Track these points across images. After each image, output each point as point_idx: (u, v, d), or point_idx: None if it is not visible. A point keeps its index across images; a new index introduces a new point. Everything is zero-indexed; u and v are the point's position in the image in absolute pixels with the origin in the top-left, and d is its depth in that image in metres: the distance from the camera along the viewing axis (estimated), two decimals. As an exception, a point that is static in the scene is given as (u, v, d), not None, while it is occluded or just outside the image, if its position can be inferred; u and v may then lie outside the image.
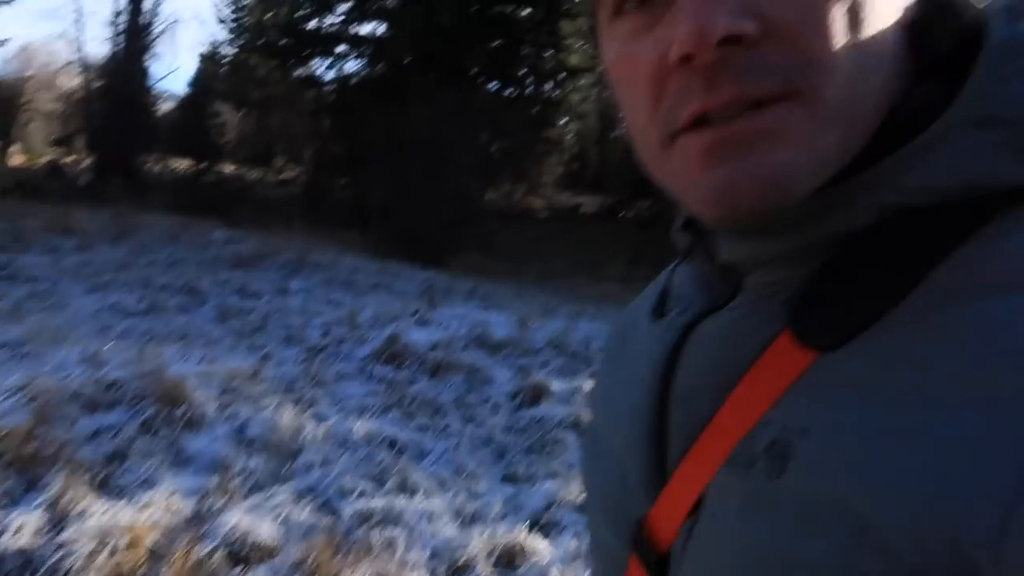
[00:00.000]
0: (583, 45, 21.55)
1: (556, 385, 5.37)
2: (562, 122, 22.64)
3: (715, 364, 0.45)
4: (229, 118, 26.94)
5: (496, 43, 19.18)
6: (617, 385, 0.57)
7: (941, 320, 0.35)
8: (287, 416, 4.02)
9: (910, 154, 0.38)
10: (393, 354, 5.46)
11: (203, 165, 18.55)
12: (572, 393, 5.32)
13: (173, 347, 5.01)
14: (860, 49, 0.37)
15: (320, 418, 4.17)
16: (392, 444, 4.01)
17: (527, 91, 21.44)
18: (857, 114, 0.38)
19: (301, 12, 18.77)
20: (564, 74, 21.01)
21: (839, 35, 0.37)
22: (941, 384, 0.33)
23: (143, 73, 22.40)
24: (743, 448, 0.41)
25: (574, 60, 20.93)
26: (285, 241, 10.97)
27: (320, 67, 20.87)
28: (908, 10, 0.41)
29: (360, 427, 4.10)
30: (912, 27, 0.41)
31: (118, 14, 21.44)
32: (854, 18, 0.37)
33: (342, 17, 18.84)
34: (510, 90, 21.18)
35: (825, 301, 0.40)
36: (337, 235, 13.94)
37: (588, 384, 5.43)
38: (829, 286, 0.40)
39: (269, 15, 27.71)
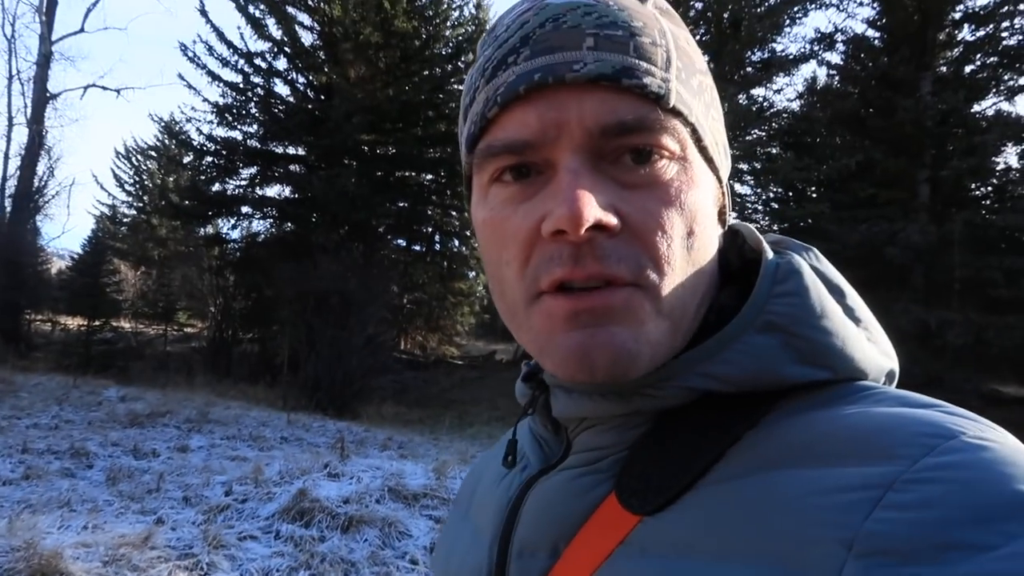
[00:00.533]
0: (486, 206, 22.63)
1: (476, 534, 5.14)
2: (471, 275, 23.22)
3: (549, 522, 0.50)
4: (127, 275, 26.25)
5: (401, 204, 19.88)
6: (459, 540, 0.61)
7: (732, 491, 0.43)
8: (182, 584, 3.66)
9: (709, 349, 0.48)
10: (301, 510, 5.13)
11: (97, 323, 17.72)
12: (492, 542, 5.11)
13: (52, 516, 4.54)
14: (691, 258, 0.47)
15: (220, 584, 3.81)
16: (301, 608, 3.68)
17: (435, 246, 22.05)
18: (686, 310, 0.48)
19: (204, 176, 18.96)
20: (469, 232, 21.83)
21: (677, 245, 0.46)
22: (734, 542, 0.41)
23: (33, 233, 21.89)
24: None
25: (479, 219, 21.80)
26: (186, 397, 10.43)
27: (224, 226, 20.93)
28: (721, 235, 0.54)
29: (265, 591, 3.76)
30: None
31: (5, 180, 21.24)
32: (690, 234, 0.47)
33: (245, 181, 19.14)
34: (417, 246, 21.74)
35: (646, 472, 0.47)
36: (243, 389, 13.39)
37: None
38: (649, 457, 0.48)
39: (172, 178, 28.01)
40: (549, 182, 0.47)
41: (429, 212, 21.12)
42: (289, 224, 19.39)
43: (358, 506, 5.32)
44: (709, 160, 0.50)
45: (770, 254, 0.51)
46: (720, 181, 0.52)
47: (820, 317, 0.47)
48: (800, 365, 0.47)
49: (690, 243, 0.47)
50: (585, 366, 0.45)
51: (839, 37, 14.91)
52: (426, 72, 19.89)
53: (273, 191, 20.03)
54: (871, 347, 0.49)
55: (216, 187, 18.95)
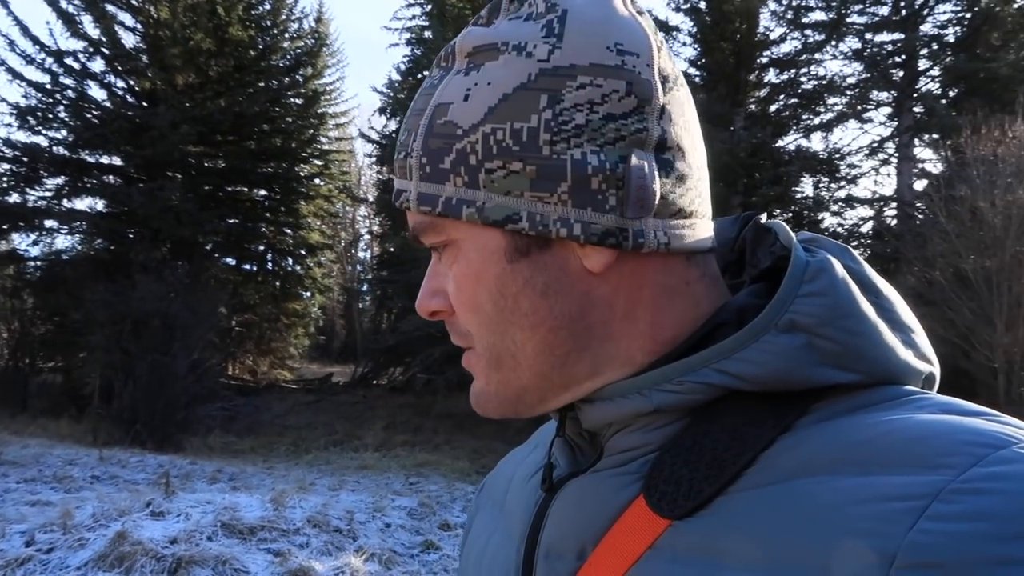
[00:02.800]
0: (321, 225, 22.03)
1: (320, 566, 4.89)
2: (306, 295, 22.38)
3: (578, 523, 0.50)
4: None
5: (232, 221, 18.80)
6: (491, 538, 0.62)
7: (768, 498, 0.42)
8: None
9: (725, 347, 0.47)
10: (121, 556, 4.61)
11: None
12: (338, 573, 4.88)
13: None
14: (499, 319, 0.51)
15: (20, 647, 3.31)
16: (122, 665, 3.28)
17: (267, 266, 21.05)
18: (536, 358, 0.51)
19: (1, 185, 16.79)
20: (304, 251, 21.08)
21: (485, 314, 0.51)
22: (769, 551, 0.40)
23: None
24: None
25: (314, 237, 21.19)
26: (-28, 436, 9.11)
27: (22, 242, 18.62)
28: (745, 231, 0.57)
29: (77, 650, 3.32)
30: (743, 245, 0.57)
31: None
32: (488, 302, 0.51)
33: (51, 192, 17.18)
34: (248, 265, 20.64)
35: (676, 474, 0.46)
36: (43, 424, 11.94)
37: (355, 561, 5.03)
38: (679, 459, 0.47)
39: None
40: None
41: (262, 229, 20.16)
42: (102, 240, 17.64)
43: (187, 545, 4.88)
44: (493, 221, 0.49)
45: (800, 252, 0.49)
46: (536, 223, 0.48)
47: (848, 318, 0.46)
48: (826, 367, 0.45)
49: (492, 307, 0.51)
50: (472, 403, 0.57)
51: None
52: (261, 84, 19.07)
53: (84, 204, 18.16)
54: (907, 350, 0.48)
55: (14, 198, 16.81)
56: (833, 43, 15.18)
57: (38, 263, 18.03)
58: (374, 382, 20.07)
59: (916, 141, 15.15)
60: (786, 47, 15.29)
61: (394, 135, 19.79)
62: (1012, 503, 0.35)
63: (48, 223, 17.20)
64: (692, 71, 16.18)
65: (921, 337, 0.50)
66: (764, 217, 0.57)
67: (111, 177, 17.91)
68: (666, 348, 0.50)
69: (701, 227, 0.52)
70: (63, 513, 5.32)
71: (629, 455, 0.50)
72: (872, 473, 0.39)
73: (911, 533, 0.36)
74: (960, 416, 0.42)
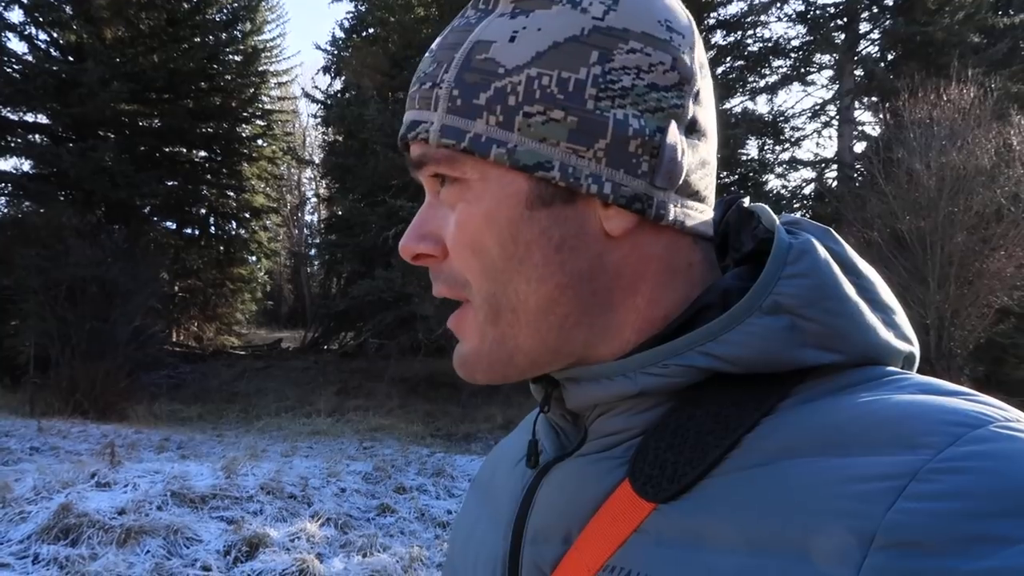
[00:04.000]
0: (266, 187, 21.46)
1: (274, 532, 4.88)
2: (252, 259, 21.87)
3: (563, 508, 0.50)
4: None
5: (171, 183, 18.13)
6: (478, 523, 0.62)
7: (751, 480, 0.43)
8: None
9: (711, 329, 0.47)
10: (66, 528, 4.51)
11: None
12: (293, 539, 4.87)
13: None
14: (503, 269, 0.49)
15: (-36, 625, 3.22)
16: (74, 637, 3.22)
17: (210, 230, 20.45)
18: (537, 314, 0.50)
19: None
20: (248, 214, 20.53)
21: (478, 261, 0.50)
22: (751, 533, 0.41)
23: None
24: None
25: (259, 200, 20.66)
26: (-103, 409, 8.70)
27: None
28: (728, 213, 0.56)
29: (25, 625, 3.24)
30: (726, 228, 0.56)
31: None
32: (495, 247, 0.49)
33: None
34: (190, 229, 20.02)
35: (660, 458, 0.46)
36: (-25, 396, 11.48)
37: (310, 526, 5.03)
38: (663, 443, 0.47)
39: None
40: None
41: (203, 192, 19.51)
42: (30, 203, 16.82)
43: (136, 516, 4.80)
44: (521, 166, 0.48)
45: (783, 234, 0.49)
46: (567, 172, 0.48)
47: (830, 299, 0.46)
48: (810, 348, 0.46)
49: (498, 254, 0.49)
50: (455, 367, 0.54)
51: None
52: (197, 39, 18.24)
53: (8, 164, 17.26)
54: (888, 331, 0.48)
55: (-68, 158, 15.86)
56: (778, 5, 15.32)
57: (-38, 226, 17.14)
58: (325, 347, 19.87)
59: (856, 104, 15.52)
60: (732, 8, 15.45)
61: (339, 95, 19.27)
62: (988, 481, 0.36)
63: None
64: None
65: (901, 317, 0.51)
66: (747, 201, 0.57)
67: (37, 136, 17.02)
68: (655, 328, 0.50)
69: (708, 213, 0.53)
70: (1, 486, 5.15)
71: (613, 439, 0.50)
72: (852, 454, 0.40)
73: (890, 513, 0.36)
74: (939, 396, 0.42)
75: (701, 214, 0.52)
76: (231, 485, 5.73)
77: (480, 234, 0.49)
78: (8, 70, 16.04)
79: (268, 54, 20.71)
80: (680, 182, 0.49)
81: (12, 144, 16.53)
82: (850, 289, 0.47)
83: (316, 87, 21.04)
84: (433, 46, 0.53)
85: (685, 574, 0.42)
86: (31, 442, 7.74)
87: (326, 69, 19.76)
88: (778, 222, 0.51)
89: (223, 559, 4.50)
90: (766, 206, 0.54)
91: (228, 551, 4.59)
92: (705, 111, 0.52)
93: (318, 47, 36.05)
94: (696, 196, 0.52)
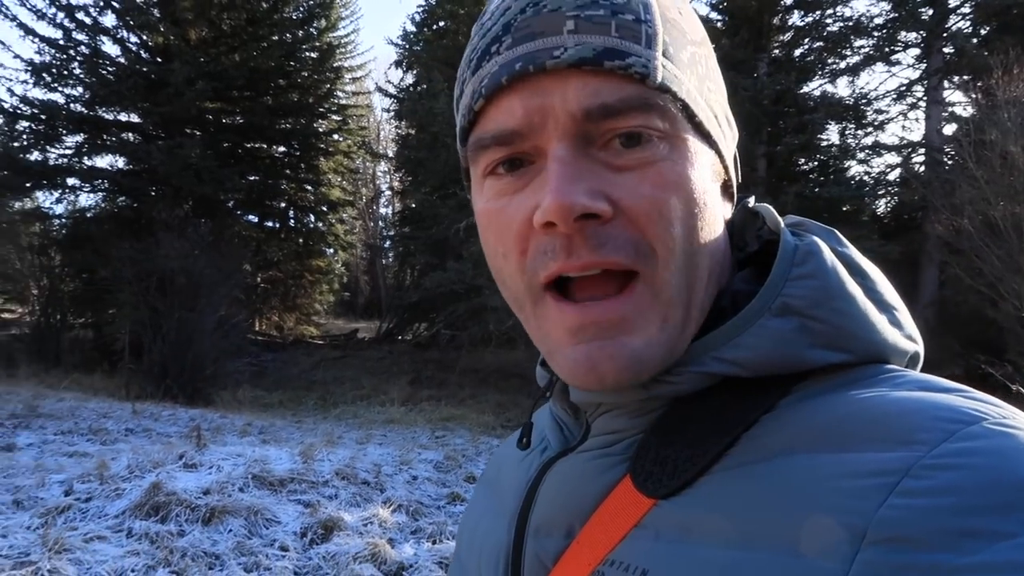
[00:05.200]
0: (342, 181, 21.98)
1: (348, 517, 5.02)
2: (329, 252, 22.48)
3: (564, 503, 0.51)
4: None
5: (252, 178, 18.80)
6: (484, 515, 0.62)
7: (749, 476, 0.43)
8: (20, 596, 3.28)
9: (725, 333, 0.47)
10: (156, 505, 4.77)
11: None
12: (366, 523, 5.01)
13: None
14: (696, 239, 0.46)
15: (65, 592, 3.46)
16: (163, 609, 3.42)
17: (290, 223, 21.12)
18: (694, 297, 0.47)
19: (19, 143, 16.82)
20: (325, 207, 21.08)
21: (676, 227, 0.45)
22: (749, 528, 0.41)
23: None
24: None
25: (335, 194, 21.17)
26: (8, 390, 9.38)
27: (47, 199, 18.83)
28: (733, 214, 0.55)
29: (120, 595, 3.46)
30: (732, 228, 0.54)
31: None
32: (690, 215, 0.46)
33: (71, 149, 17.23)
34: (270, 222, 20.72)
35: (661, 455, 0.47)
36: (77, 379, 12.26)
37: (382, 512, 5.16)
38: (664, 440, 0.47)
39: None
40: (540, 172, 0.46)
41: (283, 186, 20.15)
42: (124, 198, 17.77)
43: (220, 496, 5.03)
44: (706, 135, 0.48)
45: (789, 236, 0.50)
46: (721, 155, 0.51)
47: (838, 299, 0.47)
48: (818, 348, 0.46)
49: (692, 224, 0.46)
50: (593, 377, 0.46)
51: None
52: (275, 37, 18.81)
53: (104, 161, 18.25)
54: (893, 330, 0.48)
55: (34, 155, 16.91)
56: (861, -19, 14.61)
57: (63, 220, 18.26)
58: (399, 338, 20.27)
59: (945, 83, 14.67)
60: (812, -13, 14.79)
61: (411, 88, 19.54)
62: (978, 477, 0.36)
63: (70, 181, 17.34)
64: (713, 15, 15.70)
65: (905, 316, 0.51)
66: (752, 201, 0.57)
67: (130, 134, 17.93)
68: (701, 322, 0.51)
69: None
70: (99, 464, 5.50)
71: (616, 437, 0.50)
72: (847, 450, 0.40)
73: (881, 509, 0.36)
74: (936, 393, 0.42)
75: None
76: (308, 470, 5.93)
77: (688, 201, 0.46)
78: (103, 72, 16.97)
79: (343, 50, 21.15)
80: None
81: (108, 142, 17.49)
82: (856, 289, 0.48)
83: (389, 81, 21.44)
84: None
85: (683, 568, 0.43)
86: (126, 424, 8.22)
87: (398, 63, 20.08)
88: (783, 223, 0.52)
89: (300, 540, 4.68)
90: (770, 207, 0.54)
91: (304, 533, 4.76)
92: None
93: (390, 42, 36.66)
94: None
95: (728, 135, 0.52)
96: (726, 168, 0.52)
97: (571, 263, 0.45)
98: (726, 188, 0.53)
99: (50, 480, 5.27)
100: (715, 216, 0.49)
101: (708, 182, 0.48)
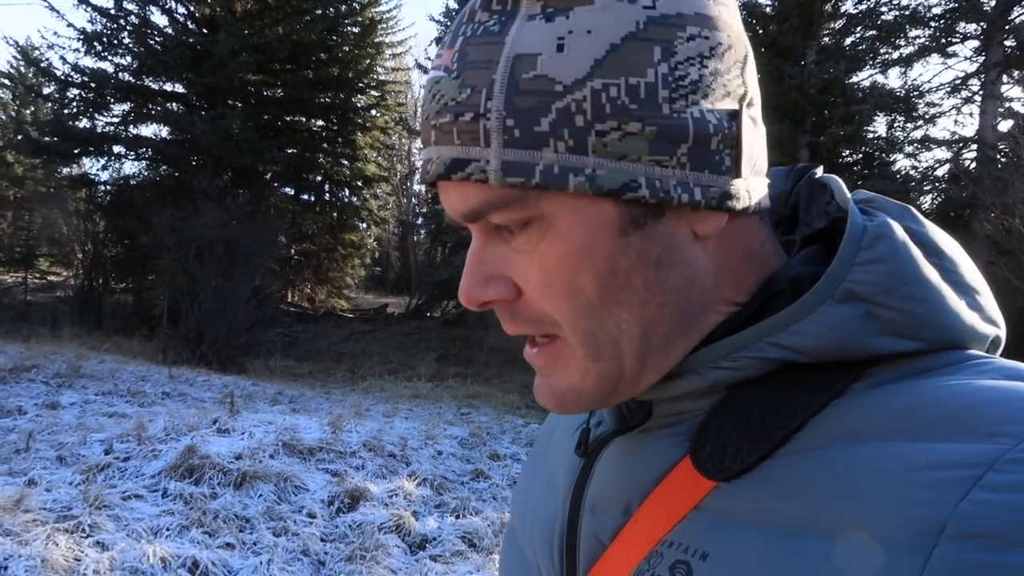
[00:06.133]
0: (377, 156, 22.08)
1: (374, 488, 5.10)
2: (362, 226, 22.66)
3: (623, 480, 0.50)
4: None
5: (290, 151, 18.98)
6: (536, 487, 0.62)
7: (815, 462, 0.41)
8: (61, 548, 3.40)
9: (781, 320, 0.45)
10: (190, 467, 4.90)
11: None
12: (392, 495, 5.09)
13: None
14: (605, 302, 0.45)
15: (104, 546, 3.58)
16: (194, 566, 3.52)
17: (325, 196, 21.31)
18: (626, 344, 0.46)
19: (69, 110, 17.18)
20: (360, 182, 21.21)
21: (574, 300, 0.45)
22: (816, 515, 0.40)
23: None
24: (649, 565, 0.46)
25: (371, 169, 21.29)
26: (53, 351, 9.67)
27: (93, 166, 19.26)
28: (799, 186, 0.54)
29: (154, 551, 3.57)
30: (797, 200, 0.54)
31: None
32: (591, 282, 0.45)
33: (118, 118, 17.58)
34: (306, 195, 20.93)
35: (723, 437, 0.45)
36: (117, 342, 12.59)
37: (407, 485, 5.24)
38: (727, 422, 0.46)
39: (30, 110, 25.31)
40: None
41: (319, 160, 20.33)
42: (167, 167, 18.10)
43: (251, 462, 5.15)
44: (598, 191, 0.43)
45: (858, 215, 0.47)
46: (637, 197, 0.44)
47: (909, 284, 0.44)
48: (886, 336, 0.44)
49: (595, 289, 0.45)
50: (537, 399, 0.51)
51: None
52: (318, 11, 18.88)
53: (149, 130, 18.58)
54: (972, 314, 0.46)
55: (83, 123, 17.30)
56: (919, -31, 14.17)
57: (108, 187, 18.68)
58: (428, 314, 20.42)
59: (1004, 78, 14.18)
60: (866, -27, 14.38)
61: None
62: None
63: (116, 148, 17.71)
64: (763, 0, 15.35)
65: (987, 299, 0.47)
66: (820, 171, 0.54)
67: (174, 104, 18.22)
68: (731, 316, 0.49)
69: (765, 183, 0.50)
70: (137, 425, 5.66)
71: (677, 418, 0.49)
72: (925, 440, 0.38)
73: (963, 503, 0.35)
74: (1020, 382, 0.40)
75: (764, 188, 0.49)
76: (336, 440, 6.03)
77: (573, 274, 0.45)
78: (151, 42, 17.24)
79: (384, 25, 21.17)
80: (756, 163, 0.48)
81: (153, 112, 17.80)
82: (931, 272, 0.45)
83: (428, 58, 21.39)
84: (439, 66, 0.46)
85: (744, 553, 0.42)
86: (163, 387, 8.43)
87: (439, 40, 20.00)
88: (852, 200, 0.48)
89: (327, 508, 4.77)
90: (838, 179, 0.51)
91: (332, 501, 4.85)
92: (753, 76, 0.48)
93: (432, 18, 36.56)
94: (759, 171, 0.49)
95: (666, 170, 0.44)
96: (664, 196, 0.44)
97: (508, 328, 0.50)
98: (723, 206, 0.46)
99: (91, 439, 5.44)
100: (635, 267, 0.45)
101: (607, 240, 0.44)
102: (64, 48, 17.28)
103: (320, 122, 20.51)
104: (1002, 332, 0.48)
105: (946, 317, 0.44)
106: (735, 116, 0.45)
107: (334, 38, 19.48)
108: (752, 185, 0.47)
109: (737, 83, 0.46)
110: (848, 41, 15.18)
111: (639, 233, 0.45)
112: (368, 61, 20.49)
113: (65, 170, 19.90)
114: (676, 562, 0.44)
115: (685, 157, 0.44)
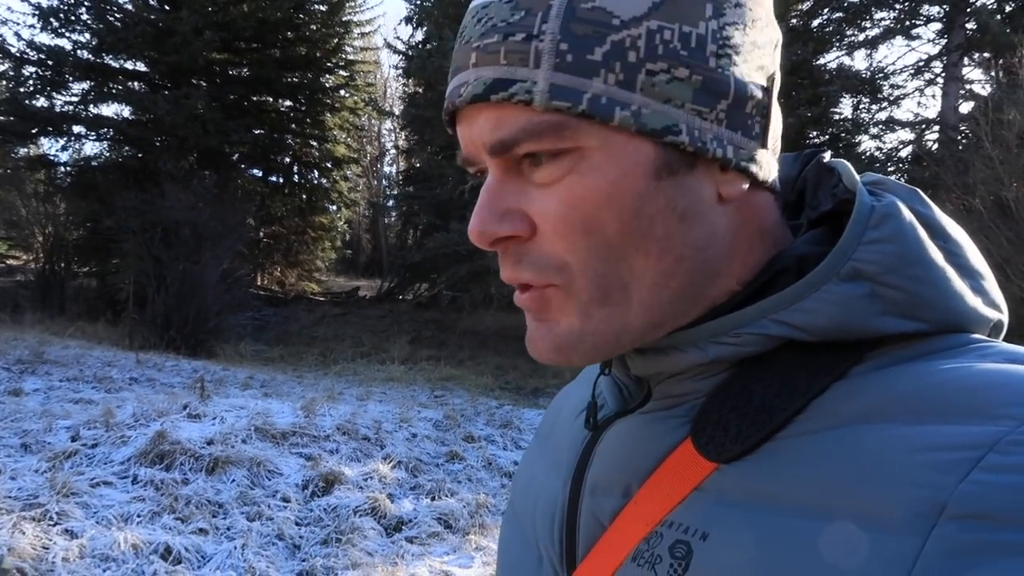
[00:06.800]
0: (347, 138, 21.80)
1: (349, 471, 5.10)
2: (332, 208, 22.40)
3: (624, 462, 0.50)
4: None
5: (258, 131, 18.64)
6: (538, 469, 0.62)
7: (818, 444, 0.41)
8: (28, 536, 3.35)
9: (785, 297, 0.45)
10: (161, 453, 4.84)
11: None
12: (366, 478, 5.09)
13: None
14: (623, 244, 0.45)
15: (72, 534, 3.53)
16: (167, 552, 3.49)
17: (294, 178, 21.01)
18: (637, 288, 0.46)
19: (25, 88, 16.62)
20: (330, 164, 20.95)
21: (592, 238, 0.45)
22: (817, 497, 0.40)
23: None
24: (648, 545, 0.46)
25: (340, 151, 21.02)
26: (14, 336, 9.45)
27: (52, 147, 18.71)
28: (806, 170, 0.54)
29: (125, 538, 3.53)
30: (805, 184, 0.54)
31: None
32: (612, 221, 0.44)
33: (77, 97, 17.06)
34: (274, 177, 20.61)
35: (724, 418, 0.46)
36: (81, 327, 12.33)
37: (382, 468, 5.24)
38: (727, 404, 0.46)
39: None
40: None
41: (288, 141, 20.01)
42: (129, 148, 17.66)
43: (223, 447, 5.10)
44: (641, 128, 0.44)
45: (865, 196, 0.47)
46: (686, 133, 0.44)
47: (916, 265, 0.44)
48: (890, 316, 0.44)
49: (616, 229, 0.45)
50: (533, 350, 0.49)
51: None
52: (284, -12, 18.47)
53: (110, 110, 18.11)
54: (975, 297, 0.46)
55: (40, 102, 16.75)
56: (885, -49, 14.31)
57: (68, 169, 18.18)
58: (400, 297, 20.33)
59: (966, 60, 14.45)
60: (833, -44, 14.47)
61: (420, 45, 19.27)
62: None
63: (76, 129, 17.21)
64: (733, -19, 15.36)
65: (991, 283, 0.48)
66: (828, 156, 0.55)
67: (136, 83, 17.75)
68: (734, 293, 0.49)
69: (777, 166, 0.51)
70: (105, 411, 5.57)
71: (678, 399, 0.49)
72: (927, 422, 0.38)
73: (963, 484, 0.35)
74: (1022, 365, 0.40)
75: (776, 168, 0.51)
76: (310, 424, 6.00)
77: (598, 211, 0.44)
78: (111, 18, 16.73)
79: (352, 3, 20.79)
80: (775, 142, 0.49)
81: (114, 91, 17.32)
82: (937, 254, 0.45)
83: (398, 38, 21.22)
84: None
85: (745, 534, 0.42)
86: (130, 373, 8.29)
87: (408, 20, 19.73)
88: (860, 181, 0.49)
89: (301, 492, 4.75)
90: (847, 163, 0.52)
91: (306, 485, 4.84)
92: (779, 61, 0.50)
93: (401, -3, 35.98)
94: (775, 152, 0.50)
95: (698, 118, 0.45)
96: (701, 146, 0.45)
97: (504, 274, 0.49)
98: (726, 167, 0.47)
99: (57, 425, 5.34)
100: (661, 213, 0.45)
101: (639, 179, 0.44)
102: (19, 24, 16.82)
103: (288, 102, 20.16)
104: (1005, 317, 0.49)
105: (950, 299, 0.45)
106: (768, 90, 0.47)
107: (301, 16, 19.10)
108: (772, 161, 0.49)
109: (770, 60, 0.48)
110: (815, 23, 15.31)
111: (671, 180, 0.45)
112: (336, 40, 20.15)
113: (22, 151, 19.31)
114: (676, 542, 0.45)
115: (724, 113, 0.45)
